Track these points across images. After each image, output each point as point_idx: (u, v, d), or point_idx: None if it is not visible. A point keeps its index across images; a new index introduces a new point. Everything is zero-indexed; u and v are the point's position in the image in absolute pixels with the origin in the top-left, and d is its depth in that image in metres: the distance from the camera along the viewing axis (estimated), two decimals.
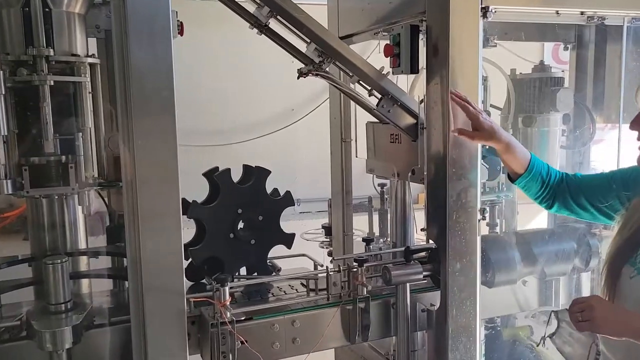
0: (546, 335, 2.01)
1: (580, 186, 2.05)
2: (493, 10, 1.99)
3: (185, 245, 2.33)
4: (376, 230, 3.10)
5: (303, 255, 2.64)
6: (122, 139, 1.77)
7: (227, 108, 4.17)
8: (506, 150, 1.99)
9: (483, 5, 1.98)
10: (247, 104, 4.21)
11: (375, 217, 3.12)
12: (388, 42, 2.17)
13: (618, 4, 2.17)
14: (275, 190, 2.54)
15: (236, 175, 2.46)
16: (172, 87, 1.79)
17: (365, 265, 2.13)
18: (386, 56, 2.16)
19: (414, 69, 2.11)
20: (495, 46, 2.81)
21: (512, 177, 2.06)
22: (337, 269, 2.16)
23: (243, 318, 2.03)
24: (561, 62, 4.02)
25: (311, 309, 2.15)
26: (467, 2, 1.96)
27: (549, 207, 2.08)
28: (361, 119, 2.74)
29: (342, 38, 2.72)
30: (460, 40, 1.97)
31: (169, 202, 1.83)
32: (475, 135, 1.96)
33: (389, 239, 2.73)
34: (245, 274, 2.45)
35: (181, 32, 2.03)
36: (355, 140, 2.79)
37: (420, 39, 2.13)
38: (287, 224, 4.29)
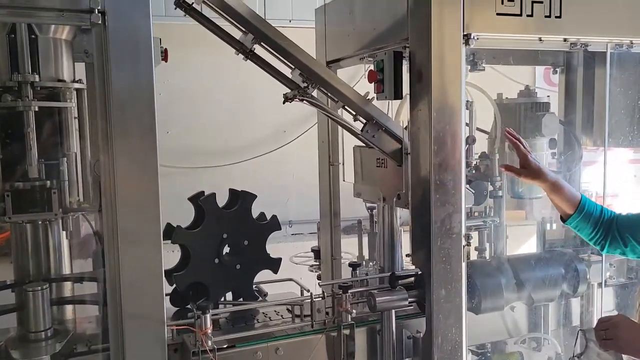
0: (574, 355, 1.98)
1: (627, 225, 2.03)
2: (475, 37, 2.01)
3: (169, 270, 2.33)
4: (366, 254, 3.07)
5: (290, 279, 2.62)
6: (103, 162, 1.77)
7: (218, 130, 4.19)
8: (552, 190, 2.03)
9: (465, 33, 1.99)
10: (239, 126, 4.23)
11: (366, 240, 3.10)
12: (372, 67, 2.18)
13: (600, 30, 2.19)
14: (262, 215, 2.53)
15: (225, 198, 2.45)
16: (153, 113, 1.79)
17: (349, 291, 2.11)
18: (370, 82, 2.17)
19: (398, 95, 2.12)
20: (484, 70, 2.82)
21: (563, 217, 2.08)
22: (321, 295, 2.13)
23: (225, 346, 2.00)
24: (553, 85, 4.03)
25: (295, 336, 2.12)
26: (449, 29, 1.98)
27: (602, 249, 2.08)
28: (349, 142, 2.74)
29: (330, 62, 2.75)
30: (442, 67, 1.98)
31: (149, 227, 1.82)
32: (522, 172, 2.04)
33: (378, 263, 2.71)
34: (231, 299, 2.44)
35: (165, 59, 2.05)
36: (343, 164, 2.79)
37: (404, 64, 2.14)
38: (278, 246, 4.28)
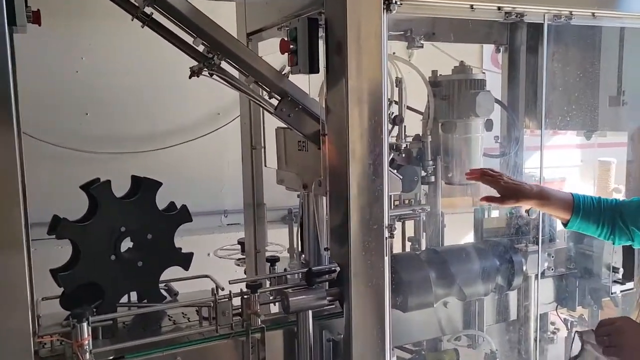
0: (570, 359, 1.82)
1: (629, 213, 1.85)
2: (398, 3, 1.77)
3: (55, 269, 2.04)
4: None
5: (206, 276, 2.36)
6: None
7: (145, 112, 3.84)
8: (541, 204, 1.89)
9: None
10: (168, 108, 3.89)
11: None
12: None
13: None
14: (172, 205, 2.25)
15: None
16: (7, 85, 1.48)
17: (259, 290, 1.87)
18: (282, 53, 1.91)
19: (313, 68, 1.86)
20: (422, 47, 2.60)
21: (563, 223, 1.92)
22: (226, 296, 1.88)
23: (111, 358, 1.74)
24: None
25: (197, 343, 1.88)
26: None
27: (613, 243, 1.92)
28: (273, 124, 2.48)
29: (251, 34, 2.48)
30: (360, 36, 1.74)
31: (9, 221, 1.52)
32: (502, 199, 1.89)
33: (305, 257, 2.47)
34: (136, 300, 2.17)
35: (37, 21, 1.73)
36: (264, 148, 2.53)
37: (321, 35, 1.89)
38: (211, 237, 4.00)
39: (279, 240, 3.06)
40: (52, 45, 3.55)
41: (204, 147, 3.98)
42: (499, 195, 1.90)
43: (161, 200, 2.20)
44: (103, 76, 3.70)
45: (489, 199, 1.94)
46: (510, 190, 1.86)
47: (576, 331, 1.88)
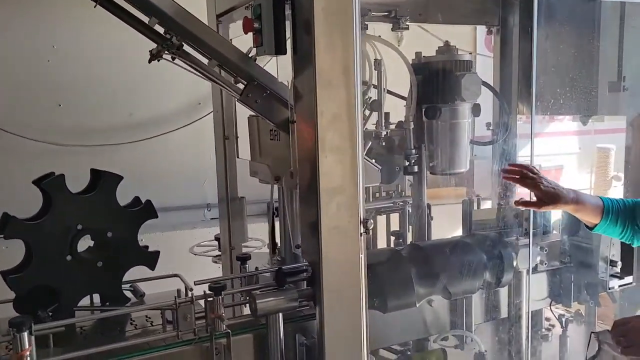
0: (587, 359, 1.84)
1: None
2: None
3: (5, 271, 1.89)
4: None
5: (175, 276, 2.21)
6: None
7: (121, 102, 3.66)
8: (576, 209, 1.83)
9: None
10: (146, 97, 3.71)
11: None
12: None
13: None
14: (136, 200, 2.10)
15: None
16: None
17: (223, 293, 1.72)
18: (245, 32, 1.74)
19: (280, 49, 1.70)
20: (408, 28, 2.43)
21: (589, 226, 1.88)
22: (188, 299, 1.73)
23: None
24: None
25: (158, 350, 1.73)
26: None
27: (632, 243, 1.89)
28: (247, 112, 2.32)
29: (220, 15, 2.31)
30: (329, 12, 1.57)
31: None
32: (541, 204, 1.83)
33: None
34: (99, 303, 2.02)
35: None
36: (236, 137, 2.37)
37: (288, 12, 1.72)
38: (193, 232, 3.84)
39: (260, 235, 2.91)
40: (21, 32, 3.37)
41: (185, 138, 3.81)
42: (536, 200, 1.80)
43: (141, 196, 2.05)
44: (77, 65, 3.53)
45: (525, 203, 1.85)
46: (549, 195, 1.77)
47: (592, 332, 1.84)
